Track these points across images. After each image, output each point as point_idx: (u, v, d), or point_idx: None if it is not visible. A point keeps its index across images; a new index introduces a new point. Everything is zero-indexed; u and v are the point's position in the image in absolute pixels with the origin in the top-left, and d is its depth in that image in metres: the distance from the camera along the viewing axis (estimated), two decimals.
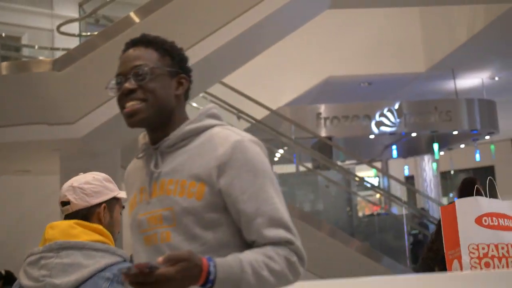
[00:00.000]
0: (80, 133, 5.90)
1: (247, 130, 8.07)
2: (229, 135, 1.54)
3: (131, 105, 1.54)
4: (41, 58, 8.30)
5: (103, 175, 2.37)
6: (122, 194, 2.34)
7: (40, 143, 6.12)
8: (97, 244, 2.16)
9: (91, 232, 2.22)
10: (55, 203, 6.48)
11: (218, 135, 1.55)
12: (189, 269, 1.32)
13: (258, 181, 1.49)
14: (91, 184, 2.31)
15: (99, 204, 2.28)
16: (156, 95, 1.55)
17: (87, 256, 2.13)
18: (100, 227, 2.23)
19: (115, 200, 2.35)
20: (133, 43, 1.63)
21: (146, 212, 1.54)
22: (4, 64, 6.37)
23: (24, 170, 7.71)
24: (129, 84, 1.56)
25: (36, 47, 10.94)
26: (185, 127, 1.57)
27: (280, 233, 1.46)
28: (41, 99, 5.90)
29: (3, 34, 10.61)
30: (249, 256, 1.40)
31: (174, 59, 1.62)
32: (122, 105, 1.57)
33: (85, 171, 2.85)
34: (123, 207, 2.37)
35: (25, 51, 11.30)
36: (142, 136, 1.63)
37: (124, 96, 1.56)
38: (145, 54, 1.59)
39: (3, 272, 7.77)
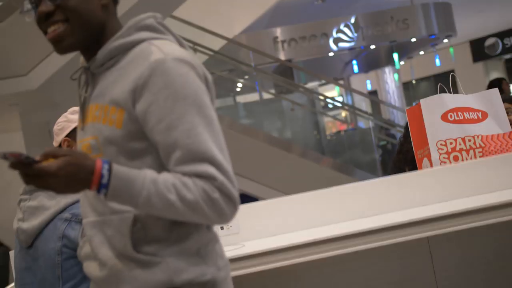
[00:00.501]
0: (35, 84, 5.88)
1: (205, 62, 8.22)
2: (151, 52, 1.37)
3: (52, 30, 1.40)
4: None
5: (73, 108, 2.33)
6: None
7: None
8: None
9: None
10: None
11: (142, 52, 1.40)
12: (75, 167, 1.25)
13: (179, 108, 1.33)
14: (58, 123, 2.32)
15: (64, 140, 2.30)
16: (79, 12, 1.40)
17: (50, 197, 2.13)
18: None
19: (70, 133, 2.32)
20: None
21: (80, 140, 1.48)
22: None
23: None
24: (45, 6, 1.40)
25: None
26: (111, 44, 1.42)
27: (201, 167, 1.31)
28: None
29: None
30: (161, 176, 1.30)
31: None
32: (44, 31, 1.43)
33: (47, 123, 2.77)
34: None
35: None
36: (82, 58, 1.52)
37: (42, 21, 1.41)
38: None
39: None
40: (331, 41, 10.70)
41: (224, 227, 2.35)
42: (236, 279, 1.64)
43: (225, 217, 1.33)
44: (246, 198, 6.08)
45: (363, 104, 15.36)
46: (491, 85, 5.52)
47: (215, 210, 1.30)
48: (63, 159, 1.23)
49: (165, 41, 1.40)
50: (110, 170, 1.26)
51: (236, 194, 1.33)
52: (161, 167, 1.36)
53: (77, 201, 2.10)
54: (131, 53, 1.39)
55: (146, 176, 1.29)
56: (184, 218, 1.33)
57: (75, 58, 1.69)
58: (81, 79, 1.50)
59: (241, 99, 10.18)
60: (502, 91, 3.51)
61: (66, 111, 5.05)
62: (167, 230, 1.39)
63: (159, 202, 1.28)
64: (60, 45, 1.39)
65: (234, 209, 1.33)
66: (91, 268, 1.49)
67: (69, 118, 2.34)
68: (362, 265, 2.61)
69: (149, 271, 1.39)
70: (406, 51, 12.93)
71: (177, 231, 1.39)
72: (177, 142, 1.29)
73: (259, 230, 2.39)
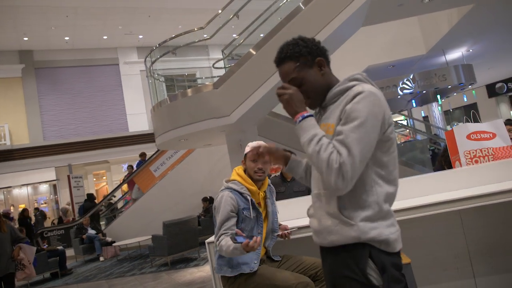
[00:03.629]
0: (233, 120, 6.71)
1: None
2: (356, 88, 1.64)
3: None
4: (207, 83, 8.71)
5: (252, 143, 2.92)
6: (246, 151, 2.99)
7: (213, 129, 7.10)
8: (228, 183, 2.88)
9: (235, 174, 2.95)
10: (226, 162, 10.28)
11: (351, 91, 1.66)
12: (297, 100, 1.68)
13: (357, 115, 1.57)
14: (248, 146, 2.98)
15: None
16: (312, 90, 1.73)
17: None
18: (241, 171, 2.98)
19: (245, 155, 2.98)
20: (277, 63, 1.80)
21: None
22: (189, 90, 7.41)
23: (208, 144, 9.24)
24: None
25: (203, 77, 12.41)
26: (334, 90, 1.74)
27: (341, 147, 1.56)
28: (209, 105, 6.84)
29: (186, 74, 12.59)
30: (324, 138, 1.62)
31: (310, 53, 1.76)
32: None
33: (239, 140, 5.20)
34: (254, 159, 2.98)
35: (199, 81, 13.11)
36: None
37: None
38: (288, 66, 1.75)
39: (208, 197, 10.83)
40: (398, 89, 12.04)
41: None
42: None
43: (329, 183, 1.56)
44: None
45: (419, 124, 16.95)
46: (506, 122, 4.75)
47: (328, 173, 1.56)
48: (295, 90, 1.68)
49: (365, 84, 1.70)
50: (306, 116, 1.65)
51: (349, 175, 1.52)
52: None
53: (223, 189, 2.85)
54: (345, 94, 1.70)
55: (318, 132, 1.64)
56: (313, 162, 1.61)
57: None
58: (316, 112, 1.87)
59: None
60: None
61: (248, 134, 7.39)
62: (360, 206, 1.65)
63: (310, 146, 1.62)
64: (310, 107, 1.80)
65: (342, 182, 1.52)
66: (313, 223, 1.77)
67: (245, 149, 2.96)
68: (419, 226, 2.99)
69: (347, 228, 1.64)
70: (445, 93, 13.72)
71: (366, 208, 1.65)
72: (344, 132, 1.58)
73: None
